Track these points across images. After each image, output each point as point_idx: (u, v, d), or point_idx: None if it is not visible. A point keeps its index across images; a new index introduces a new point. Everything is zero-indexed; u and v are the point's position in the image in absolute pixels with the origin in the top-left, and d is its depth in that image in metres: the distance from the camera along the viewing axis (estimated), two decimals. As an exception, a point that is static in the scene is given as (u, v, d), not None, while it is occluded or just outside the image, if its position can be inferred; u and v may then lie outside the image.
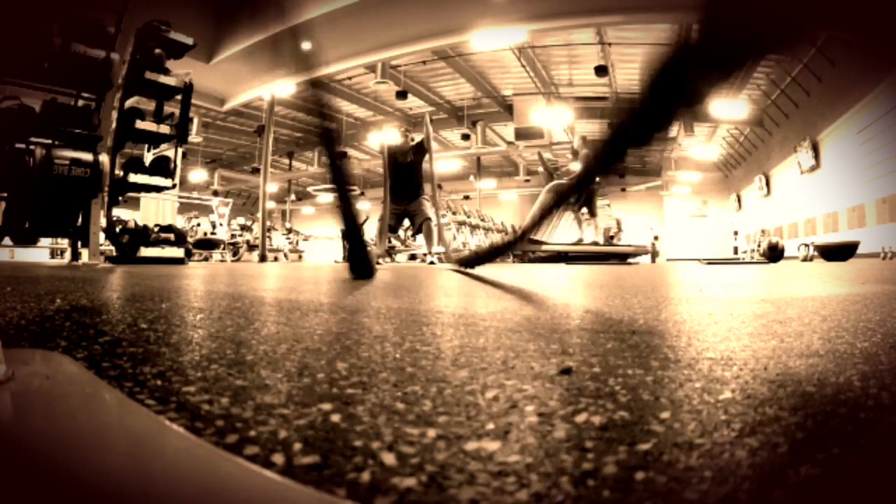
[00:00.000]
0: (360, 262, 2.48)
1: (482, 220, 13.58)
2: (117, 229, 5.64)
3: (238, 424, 0.38)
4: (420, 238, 8.44)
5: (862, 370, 0.54)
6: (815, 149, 12.90)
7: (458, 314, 1.05)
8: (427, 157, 6.29)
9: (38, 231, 4.84)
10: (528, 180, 20.79)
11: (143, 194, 7.47)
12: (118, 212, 7.34)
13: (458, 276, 3.01)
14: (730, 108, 13.88)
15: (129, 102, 5.48)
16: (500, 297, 1.56)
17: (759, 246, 11.90)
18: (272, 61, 10.89)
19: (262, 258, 11.35)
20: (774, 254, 8.79)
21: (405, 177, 6.29)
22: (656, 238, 16.74)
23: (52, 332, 0.79)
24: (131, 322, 0.89)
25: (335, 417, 0.40)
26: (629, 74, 13.96)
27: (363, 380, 0.51)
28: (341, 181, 2.13)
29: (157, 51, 5.57)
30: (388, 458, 0.32)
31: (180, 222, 12.54)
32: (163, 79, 5.58)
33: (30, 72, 4.55)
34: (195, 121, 14.95)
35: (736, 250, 17.46)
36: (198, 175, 19.51)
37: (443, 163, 18.83)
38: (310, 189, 22.93)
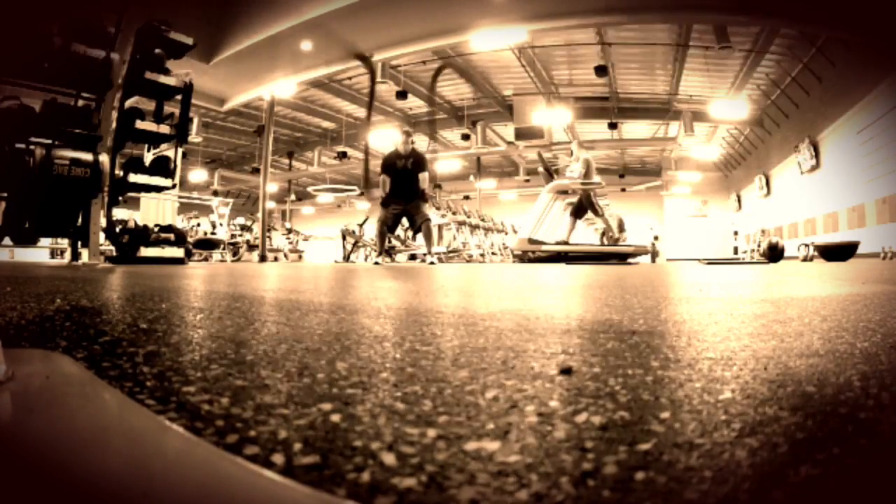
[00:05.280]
0: None
1: (482, 220, 13.56)
2: (117, 229, 5.64)
3: (238, 424, 0.38)
4: (420, 238, 8.44)
5: (862, 370, 0.54)
6: (815, 149, 12.89)
7: (458, 314, 1.05)
8: (423, 171, 6.35)
9: (38, 231, 4.84)
10: (528, 180, 20.77)
11: (143, 194, 7.47)
12: (118, 212, 7.34)
13: (456, 276, 3.01)
14: (730, 108, 13.86)
15: (129, 102, 5.48)
16: (499, 296, 1.56)
17: (759, 246, 11.88)
18: (272, 61, 10.89)
19: (262, 258, 11.35)
20: (774, 254, 8.78)
21: (404, 179, 6.31)
22: (656, 238, 16.73)
23: (52, 332, 0.79)
24: (131, 322, 0.89)
25: (335, 417, 0.40)
26: (629, 74, 13.96)
27: (363, 380, 0.51)
28: None
29: (157, 51, 5.57)
30: (388, 458, 0.32)
31: (180, 222, 12.54)
32: (163, 79, 5.58)
33: (30, 72, 4.54)
34: (195, 121, 14.94)
35: (736, 250, 17.44)
36: (198, 175, 19.51)
37: (443, 163, 18.82)
38: (310, 189, 22.93)
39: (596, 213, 8.42)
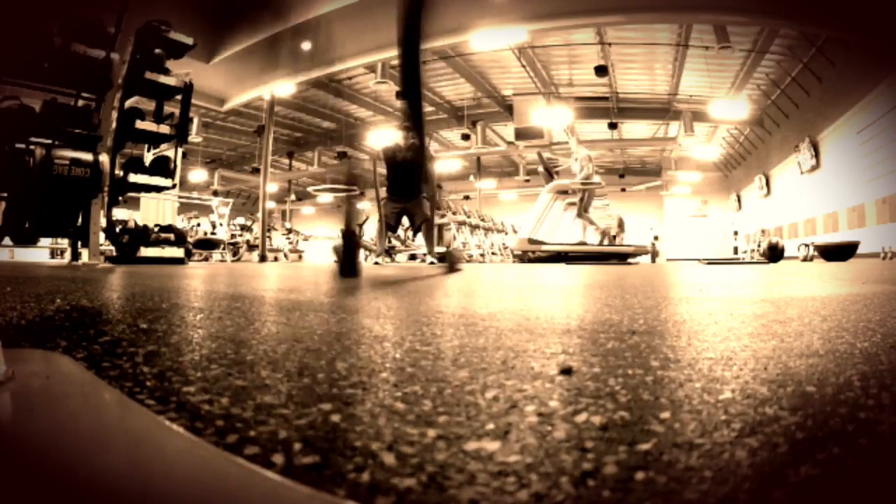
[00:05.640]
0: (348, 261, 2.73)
1: (482, 219, 13.57)
2: (117, 229, 5.64)
3: (238, 424, 0.38)
4: (420, 238, 8.44)
5: (862, 370, 0.54)
6: (815, 149, 12.89)
7: (458, 314, 1.05)
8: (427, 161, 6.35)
9: (38, 231, 4.84)
10: (528, 180, 20.76)
11: (143, 194, 7.47)
12: (118, 212, 7.34)
13: (456, 276, 3.01)
14: (730, 108, 13.85)
15: (129, 102, 5.48)
16: (499, 296, 1.56)
17: (759, 246, 11.89)
18: (272, 61, 10.89)
19: (262, 258, 11.35)
20: (774, 254, 8.78)
21: (404, 175, 6.25)
22: (656, 238, 16.73)
23: (52, 332, 0.79)
24: (131, 322, 0.89)
25: (335, 417, 0.40)
26: (629, 74, 13.96)
27: (363, 380, 0.51)
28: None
29: (157, 51, 5.57)
30: (388, 458, 0.32)
31: (180, 222, 12.54)
32: (163, 79, 5.58)
33: (30, 72, 4.54)
34: (195, 121, 14.93)
35: (736, 250, 17.44)
36: (198, 175, 19.49)
37: (443, 163, 18.82)
38: (310, 189, 22.90)
39: (583, 213, 8.45)
